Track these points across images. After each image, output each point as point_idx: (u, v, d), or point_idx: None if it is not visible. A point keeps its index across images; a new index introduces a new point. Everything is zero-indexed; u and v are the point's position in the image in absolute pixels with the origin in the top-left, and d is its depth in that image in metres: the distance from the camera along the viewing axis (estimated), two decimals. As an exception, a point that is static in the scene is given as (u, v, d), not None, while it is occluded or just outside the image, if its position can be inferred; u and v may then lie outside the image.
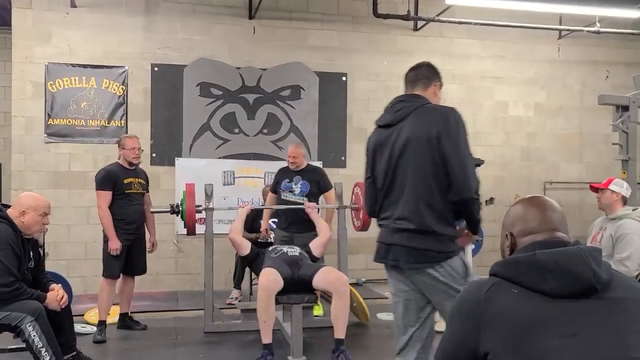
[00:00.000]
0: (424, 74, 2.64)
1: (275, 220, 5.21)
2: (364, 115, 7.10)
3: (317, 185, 4.95)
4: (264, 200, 5.28)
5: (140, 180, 4.60)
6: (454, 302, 1.49)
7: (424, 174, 2.40)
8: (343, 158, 7.05)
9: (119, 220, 4.40)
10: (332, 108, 7.00)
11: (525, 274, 1.39)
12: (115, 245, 4.36)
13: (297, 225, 4.82)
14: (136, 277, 4.68)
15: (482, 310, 1.38)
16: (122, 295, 4.63)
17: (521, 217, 1.56)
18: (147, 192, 4.70)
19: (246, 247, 4.21)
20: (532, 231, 1.53)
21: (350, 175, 6.84)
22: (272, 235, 5.32)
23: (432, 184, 2.39)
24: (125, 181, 4.47)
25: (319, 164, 6.83)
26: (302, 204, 4.76)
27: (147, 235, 4.68)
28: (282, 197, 4.90)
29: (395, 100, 2.65)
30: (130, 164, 4.55)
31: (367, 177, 2.68)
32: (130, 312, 4.74)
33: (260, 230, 5.16)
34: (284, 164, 5.15)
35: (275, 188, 5.01)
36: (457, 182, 2.35)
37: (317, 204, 4.97)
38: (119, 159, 4.59)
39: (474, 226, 2.44)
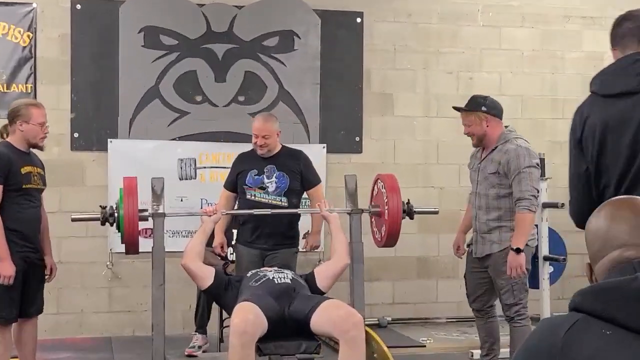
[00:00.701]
0: None
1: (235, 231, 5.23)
2: (388, 74, 7.08)
3: (299, 177, 4.98)
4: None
5: (39, 170, 4.59)
6: (519, 347, 1.48)
7: None
8: (357, 139, 7.04)
9: (11, 232, 4.34)
10: (341, 64, 6.99)
11: (621, 307, 1.39)
12: (8, 270, 4.27)
13: (272, 238, 4.86)
14: (45, 318, 4.67)
15: (558, 360, 1.37)
16: (22, 347, 4.60)
17: (608, 229, 1.60)
18: (45, 187, 4.68)
19: (207, 277, 4.20)
20: (623, 244, 1.56)
21: (368, 164, 6.84)
22: (230, 253, 5.38)
23: None
24: (23, 171, 4.43)
25: (321, 148, 6.83)
26: (281, 206, 4.79)
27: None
28: (248, 196, 4.92)
29: (635, 57, 2.63)
30: (32, 145, 4.54)
31: (583, 170, 2.73)
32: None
33: (214, 245, 5.15)
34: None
35: (233, 184, 5.03)
36: None
37: (298, 205, 5.06)
38: (3, 137, 4.54)
39: None
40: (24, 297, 4.47)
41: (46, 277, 4.67)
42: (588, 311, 1.42)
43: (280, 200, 4.91)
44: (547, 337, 1.43)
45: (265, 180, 4.92)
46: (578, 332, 1.40)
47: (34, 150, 4.64)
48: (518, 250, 4.44)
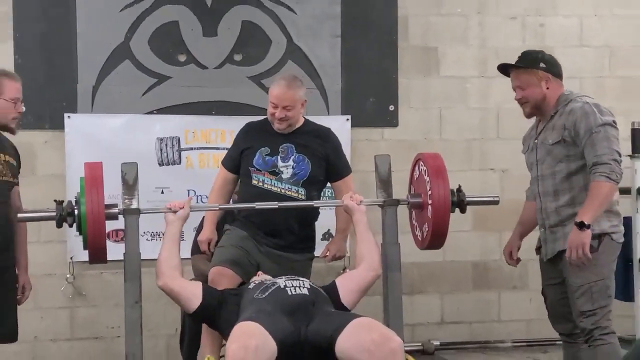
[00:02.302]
0: None
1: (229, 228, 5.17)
2: (431, 21, 7.09)
3: (324, 164, 4.92)
4: (212, 186, 5.10)
5: (7, 157, 4.67)
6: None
7: None
8: (392, 108, 7.06)
9: None
10: (369, 10, 7.01)
11: None
12: None
13: (284, 237, 4.85)
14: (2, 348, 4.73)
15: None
16: None
17: None
18: (17, 181, 4.76)
19: (194, 294, 4.22)
20: None
21: (405, 140, 6.87)
22: None
23: None
24: None
25: (343, 121, 6.84)
26: (298, 199, 4.77)
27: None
28: (255, 182, 4.85)
29: None
30: (1, 127, 4.63)
31: None
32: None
33: (199, 239, 5.07)
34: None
35: (235, 162, 4.96)
36: None
37: (318, 197, 4.98)
38: None
39: None
40: None
41: (18, 296, 4.73)
42: None
43: (297, 192, 4.83)
44: None
45: (280, 164, 4.83)
46: None
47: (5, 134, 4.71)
48: (581, 225, 4.39)
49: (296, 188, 4.83)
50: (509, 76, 4.80)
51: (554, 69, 4.68)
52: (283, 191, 4.81)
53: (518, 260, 4.98)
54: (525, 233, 4.96)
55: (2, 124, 4.60)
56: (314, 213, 4.99)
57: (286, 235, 4.84)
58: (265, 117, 4.94)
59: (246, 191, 4.90)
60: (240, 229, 4.88)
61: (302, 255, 4.89)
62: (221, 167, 5.04)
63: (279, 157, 4.83)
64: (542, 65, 4.65)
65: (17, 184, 4.76)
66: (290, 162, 4.83)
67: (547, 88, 4.63)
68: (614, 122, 4.54)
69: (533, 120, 4.88)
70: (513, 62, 4.77)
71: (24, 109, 4.71)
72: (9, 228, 4.64)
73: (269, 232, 4.84)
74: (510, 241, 5.03)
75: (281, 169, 4.83)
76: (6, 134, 4.71)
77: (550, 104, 4.65)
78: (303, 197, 4.84)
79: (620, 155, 4.49)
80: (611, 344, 4.47)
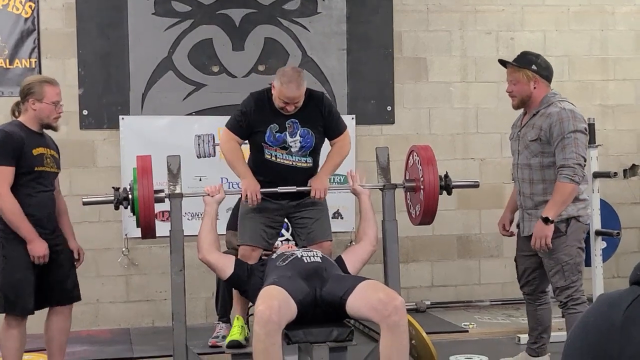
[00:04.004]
0: None
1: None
2: (421, 36, 7.04)
3: (322, 129, 4.63)
4: (226, 154, 4.68)
5: (52, 152, 4.62)
6: (572, 329, 1.47)
7: None
8: (389, 108, 7.03)
9: (28, 219, 4.42)
10: (370, 27, 6.97)
11: None
12: (41, 249, 4.36)
13: (297, 199, 4.60)
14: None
15: (619, 341, 1.36)
16: (48, 342, 4.67)
17: None
18: (59, 171, 4.74)
19: (227, 267, 4.24)
20: None
21: (401, 135, 6.83)
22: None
23: None
24: (35, 152, 4.47)
25: (349, 120, 6.82)
26: (306, 168, 4.56)
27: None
28: (267, 156, 4.57)
29: None
30: (45, 126, 4.58)
31: None
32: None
33: (248, 190, 4.49)
34: None
35: (245, 132, 4.59)
36: None
37: (318, 163, 4.66)
38: (15, 115, 4.59)
39: None
40: (46, 286, 4.53)
41: (75, 262, 4.73)
42: None
43: (305, 161, 4.60)
44: (605, 314, 1.39)
45: (289, 139, 4.54)
46: None
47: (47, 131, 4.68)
48: (546, 220, 4.37)
49: (305, 159, 4.59)
50: (506, 68, 4.72)
51: (543, 72, 4.60)
52: (294, 163, 4.58)
53: (511, 233, 4.93)
54: (514, 209, 4.89)
55: (45, 124, 4.55)
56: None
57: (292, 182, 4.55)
58: (268, 88, 4.61)
59: (259, 162, 4.60)
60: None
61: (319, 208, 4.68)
62: (230, 133, 4.62)
63: (287, 132, 4.54)
64: (534, 67, 4.58)
65: (59, 172, 4.75)
66: (297, 137, 4.55)
67: (535, 88, 4.56)
68: (585, 129, 4.48)
69: (513, 114, 4.84)
70: (510, 60, 4.70)
71: (63, 110, 4.65)
72: (54, 210, 4.64)
73: (274, 179, 4.55)
74: (503, 216, 4.99)
75: (290, 144, 4.55)
76: (49, 132, 4.67)
77: (535, 102, 4.58)
78: (310, 164, 4.61)
79: (585, 160, 4.44)
80: (582, 313, 4.44)
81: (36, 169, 4.47)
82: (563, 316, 4.76)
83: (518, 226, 4.79)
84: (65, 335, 4.69)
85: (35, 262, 4.38)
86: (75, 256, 4.73)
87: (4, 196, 4.34)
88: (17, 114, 4.58)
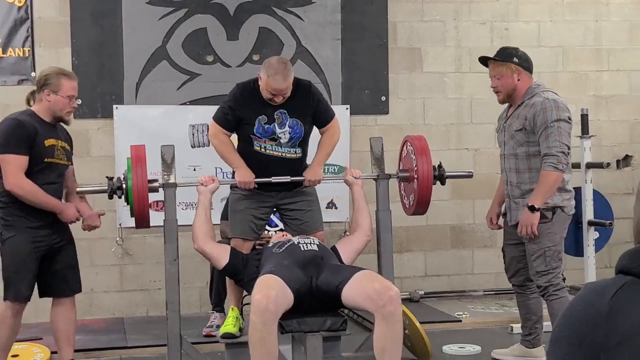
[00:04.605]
0: None
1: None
2: (415, 26, 7.03)
3: (311, 119, 4.57)
4: (217, 147, 4.64)
5: (63, 144, 4.62)
6: (559, 317, 1.48)
7: None
8: (383, 98, 7.02)
9: (30, 209, 4.41)
10: (364, 17, 6.96)
11: None
12: (72, 213, 4.53)
13: (286, 189, 4.54)
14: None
15: (605, 328, 1.37)
16: (57, 332, 4.67)
17: None
18: (71, 163, 4.74)
19: (223, 256, 4.24)
20: None
21: (395, 125, 6.83)
22: None
23: None
24: (47, 143, 4.48)
25: (344, 109, 6.81)
26: (295, 158, 4.51)
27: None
28: (257, 148, 4.51)
29: None
30: (57, 119, 4.57)
31: None
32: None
33: (241, 181, 4.50)
34: None
35: (232, 125, 4.53)
36: None
37: (306, 153, 4.61)
38: (29, 104, 4.57)
39: None
40: (50, 276, 4.55)
41: (77, 220, 4.68)
42: (637, 273, 1.39)
43: (295, 152, 4.54)
44: (591, 303, 1.40)
45: (277, 130, 4.46)
46: (626, 297, 1.37)
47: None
48: (532, 209, 4.41)
49: (294, 149, 4.53)
50: (487, 67, 4.75)
51: (525, 64, 4.63)
52: (283, 154, 4.52)
53: (499, 226, 4.94)
54: (501, 201, 4.91)
55: (58, 117, 4.54)
56: (305, 165, 4.65)
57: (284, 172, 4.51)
58: (255, 79, 4.51)
59: (248, 154, 4.53)
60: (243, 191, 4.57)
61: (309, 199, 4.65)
62: (218, 126, 4.57)
63: (275, 124, 4.46)
64: (515, 60, 4.61)
65: (72, 164, 4.75)
66: (287, 128, 4.48)
67: (518, 80, 4.59)
68: (569, 117, 4.50)
69: (504, 106, 4.85)
70: (491, 56, 4.73)
71: (78, 103, 4.66)
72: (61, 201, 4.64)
73: (264, 168, 4.52)
74: (490, 209, 5.00)
75: (279, 135, 4.48)
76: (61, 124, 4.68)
77: (519, 93, 4.61)
78: (300, 154, 4.56)
79: (569, 148, 4.47)
80: (563, 297, 4.50)
81: (46, 160, 4.47)
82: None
83: (505, 215, 4.81)
84: (70, 325, 4.68)
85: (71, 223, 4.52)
86: (76, 216, 4.65)
87: (22, 184, 4.35)
88: (31, 102, 4.57)
